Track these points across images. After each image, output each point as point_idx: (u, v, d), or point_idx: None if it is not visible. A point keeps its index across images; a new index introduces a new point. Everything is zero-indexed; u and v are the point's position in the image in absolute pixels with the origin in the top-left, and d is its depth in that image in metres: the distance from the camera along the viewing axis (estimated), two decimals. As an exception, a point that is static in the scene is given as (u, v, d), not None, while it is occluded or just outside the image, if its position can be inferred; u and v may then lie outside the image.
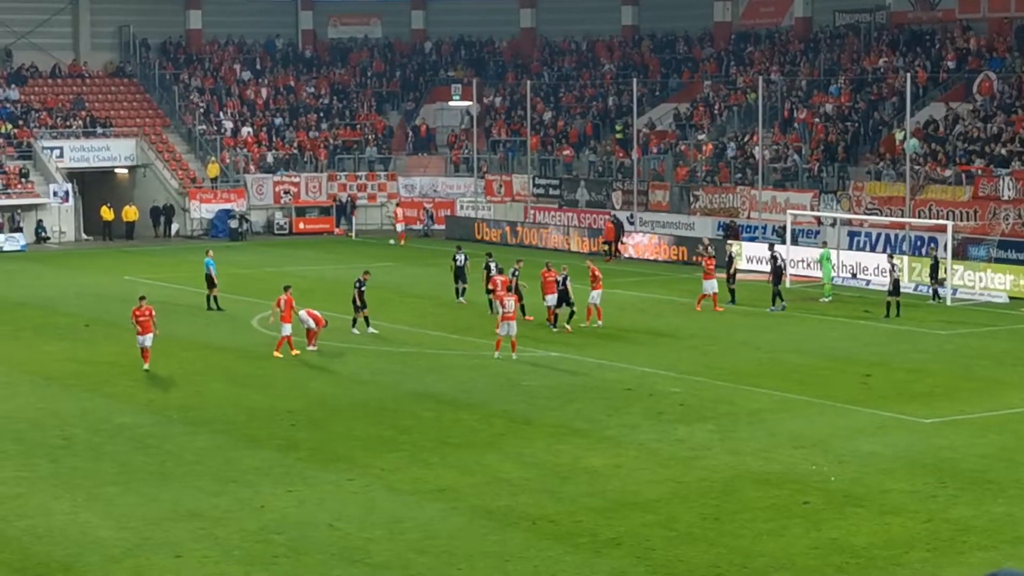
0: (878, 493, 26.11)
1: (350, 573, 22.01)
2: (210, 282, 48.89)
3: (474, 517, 24.80)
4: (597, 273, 45.46)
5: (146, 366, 37.92)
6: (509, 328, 39.45)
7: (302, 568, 22.20)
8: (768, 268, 50.13)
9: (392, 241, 72.48)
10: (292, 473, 27.67)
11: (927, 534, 23.79)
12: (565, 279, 44.22)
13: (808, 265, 55.56)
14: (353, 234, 75.11)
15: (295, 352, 40.15)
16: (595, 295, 45.09)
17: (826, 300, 50.34)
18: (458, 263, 50.04)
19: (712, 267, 48.44)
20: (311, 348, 40.85)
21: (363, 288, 43.73)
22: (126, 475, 27.70)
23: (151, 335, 38.25)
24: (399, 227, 72.89)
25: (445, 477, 27.34)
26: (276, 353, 40.09)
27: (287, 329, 40.35)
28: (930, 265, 51.04)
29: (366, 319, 43.79)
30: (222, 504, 25.56)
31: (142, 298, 39.28)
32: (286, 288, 41.20)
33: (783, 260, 49.54)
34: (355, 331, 43.40)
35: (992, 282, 51.67)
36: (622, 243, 65.14)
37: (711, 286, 48.05)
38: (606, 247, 64.96)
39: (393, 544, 23.30)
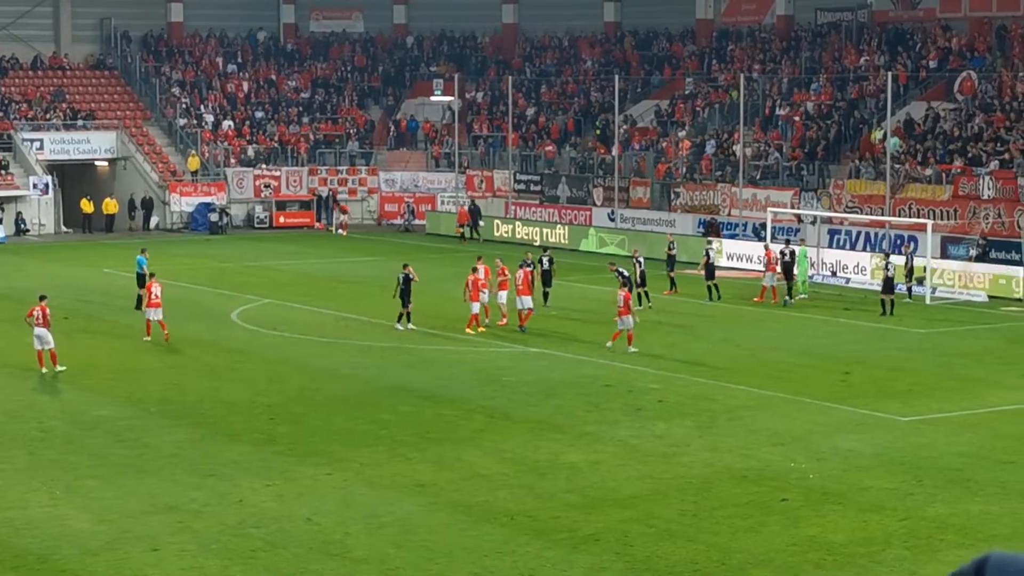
0: (856, 490, 26.14)
1: (328, 567, 21.97)
2: (141, 281, 46.29)
3: (453, 512, 24.77)
4: (506, 274, 44.99)
5: (43, 369, 36.68)
6: (624, 322, 39.87)
7: (280, 562, 22.16)
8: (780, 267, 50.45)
9: (340, 231, 73.92)
10: (271, 467, 27.61)
11: (905, 532, 23.83)
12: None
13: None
14: (334, 228, 74.99)
15: (469, 330, 42.52)
16: (502, 295, 44.58)
17: (803, 297, 50.46)
18: (544, 266, 47.59)
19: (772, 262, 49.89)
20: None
21: (409, 284, 43.16)
22: (104, 468, 27.63)
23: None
24: (343, 217, 74.87)
25: (424, 472, 27.31)
26: (469, 330, 42.50)
27: (477, 307, 42.67)
28: (904, 264, 51.12)
29: (408, 316, 43.23)
30: (200, 498, 25.49)
31: (42, 298, 37.62)
32: (474, 270, 43.22)
33: (791, 257, 49.87)
34: (399, 327, 43.08)
35: (972, 281, 51.77)
36: (480, 225, 69.56)
37: (769, 279, 49.73)
38: (460, 230, 69.31)
39: (371, 539, 23.27)
